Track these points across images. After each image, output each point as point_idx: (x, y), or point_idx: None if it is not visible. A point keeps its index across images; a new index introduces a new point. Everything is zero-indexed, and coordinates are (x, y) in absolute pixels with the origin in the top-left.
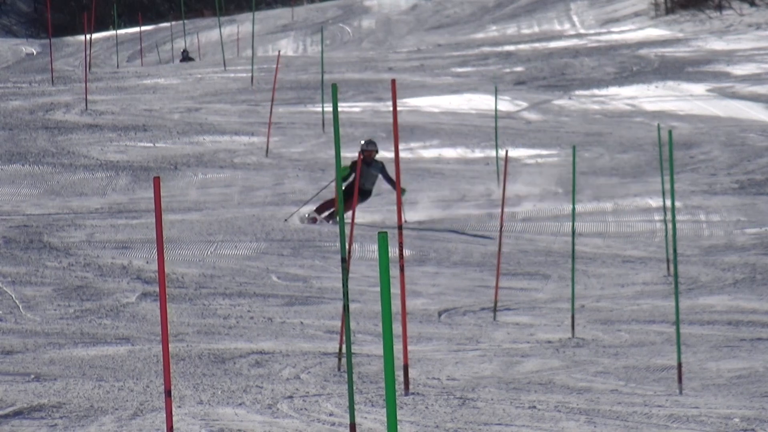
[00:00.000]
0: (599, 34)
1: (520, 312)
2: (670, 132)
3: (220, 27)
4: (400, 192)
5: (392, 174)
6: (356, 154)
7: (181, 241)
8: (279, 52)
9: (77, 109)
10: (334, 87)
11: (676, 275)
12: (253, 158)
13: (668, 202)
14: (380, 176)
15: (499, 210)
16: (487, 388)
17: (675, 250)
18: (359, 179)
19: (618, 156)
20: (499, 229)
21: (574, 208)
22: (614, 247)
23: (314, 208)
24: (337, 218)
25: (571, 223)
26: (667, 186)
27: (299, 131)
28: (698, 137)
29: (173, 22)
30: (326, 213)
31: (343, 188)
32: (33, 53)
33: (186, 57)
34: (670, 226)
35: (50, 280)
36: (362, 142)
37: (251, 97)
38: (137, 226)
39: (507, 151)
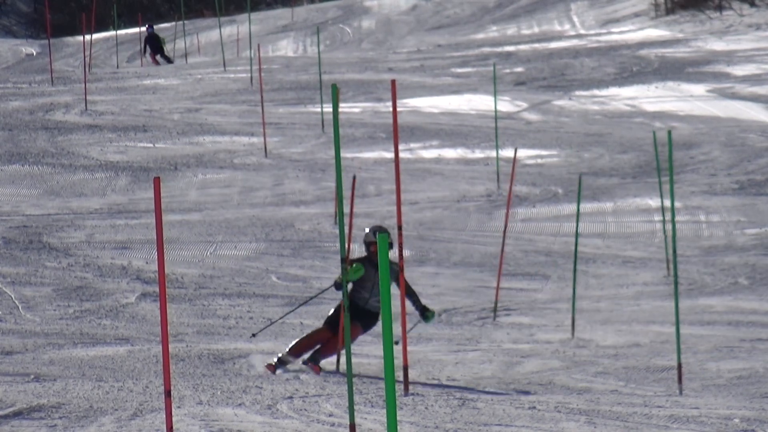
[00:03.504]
0: (599, 34)
1: (520, 312)
2: (669, 132)
3: (220, 27)
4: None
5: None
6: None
7: (181, 242)
8: (258, 47)
9: (77, 110)
10: (334, 87)
11: (675, 276)
12: (253, 159)
13: (668, 203)
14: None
15: (499, 210)
16: (487, 388)
17: (675, 251)
18: (358, 291)
19: (618, 156)
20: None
21: (578, 210)
22: (614, 248)
23: (288, 348)
24: (317, 357)
25: (570, 224)
26: (666, 187)
27: (299, 132)
28: (698, 138)
29: (174, 23)
30: (305, 355)
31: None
32: (33, 54)
33: (153, 42)
34: (669, 226)
35: (50, 281)
36: (366, 230)
37: (251, 98)
38: (137, 226)
39: (516, 150)
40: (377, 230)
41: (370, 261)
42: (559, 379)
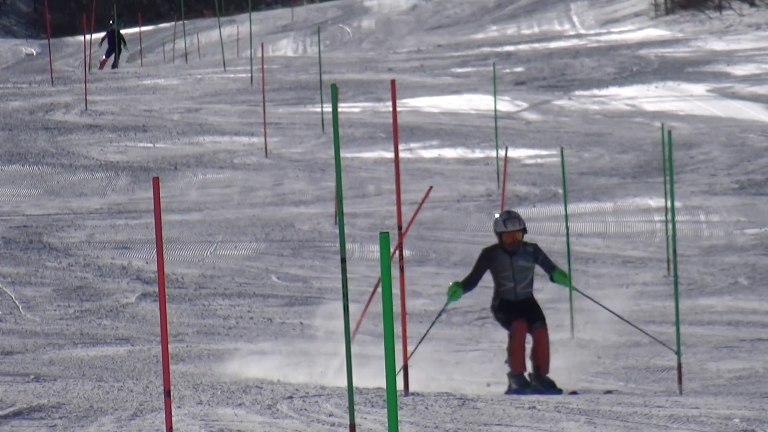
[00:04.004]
0: (599, 34)
1: None
2: (669, 132)
3: (220, 27)
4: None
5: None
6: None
7: (181, 242)
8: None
9: (77, 110)
10: (334, 87)
11: (675, 276)
12: (253, 159)
13: (669, 203)
14: (535, 267)
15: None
16: (487, 388)
17: (674, 251)
18: (502, 284)
19: (618, 156)
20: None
21: (566, 209)
22: (614, 248)
23: (509, 366)
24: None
25: (571, 224)
26: (666, 187)
27: (299, 131)
28: (698, 137)
29: (174, 23)
30: (527, 364)
31: (464, 293)
32: (33, 54)
33: (113, 36)
34: (670, 226)
35: (50, 281)
36: (496, 216)
37: (251, 98)
38: (137, 226)
39: (507, 149)
40: (506, 219)
41: (504, 249)
42: (559, 379)
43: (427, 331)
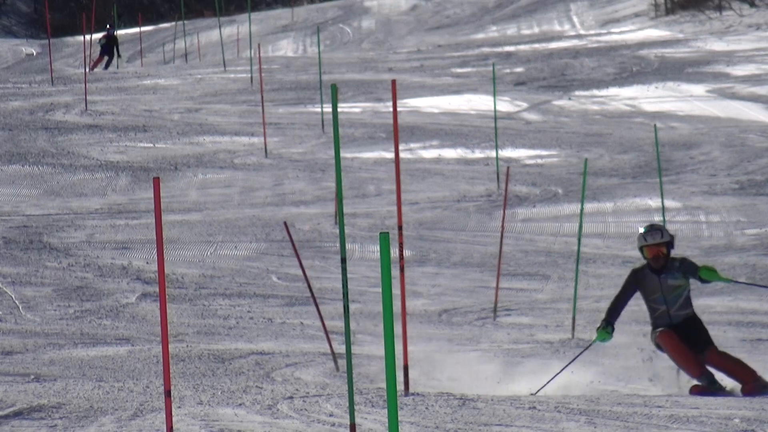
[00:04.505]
0: (599, 34)
1: (520, 312)
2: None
3: (220, 27)
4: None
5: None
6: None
7: (181, 242)
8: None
9: (77, 110)
10: (334, 87)
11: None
12: (253, 159)
13: (669, 203)
14: (689, 282)
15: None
16: (487, 388)
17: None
18: (654, 310)
19: (618, 156)
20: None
21: (582, 210)
22: (614, 248)
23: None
24: None
25: (571, 224)
26: (667, 187)
27: (299, 132)
28: (698, 138)
29: (174, 23)
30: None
31: (613, 330)
32: (33, 54)
33: (109, 43)
34: (674, 227)
35: (50, 281)
36: (641, 230)
37: (251, 98)
38: (137, 226)
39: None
40: (647, 231)
41: (651, 268)
42: (559, 379)
43: (564, 367)
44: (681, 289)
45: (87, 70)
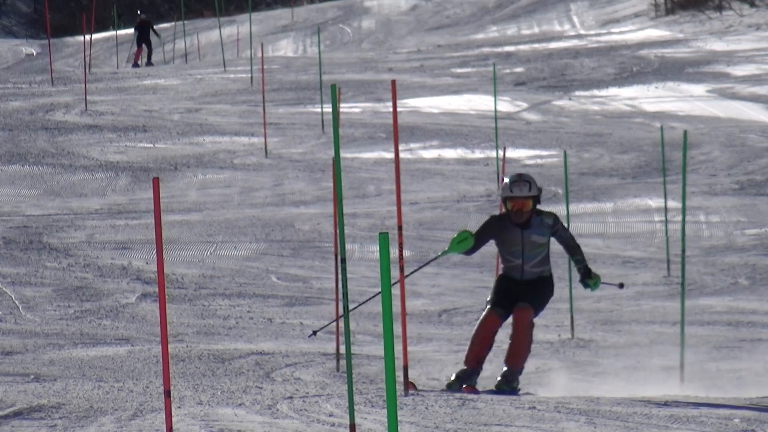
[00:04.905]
0: (599, 34)
1: None
2: (685, 132)
3: (220, 27)
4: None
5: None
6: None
7: (181, 242)
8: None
9: (77, 110)
10: (334, 87)
11: (683, 274)
12: (253, 159)
13: (669, 203)
14: (551, 242)
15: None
16: (487, 388)
17: (684, 250)
18: (508, 261)
19: (618, 157)
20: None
21: (567, 208)
22: (614, 248)
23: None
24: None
25: (571, 224)
26: (669, 187)
27: (299, 132)
28: (698, 138)
29: (174, 23)
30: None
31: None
32: (33, 54)
33: (143, 31)
34: (672, 226)
35: (50, 281)
36: (506, 180)
37: (251, 98)
38: (137, 226)
39: (505, 149)
40: (514, 181)
41: (511, 221)
42: (559, 379)
43: (422, 265)
44: (542, 248)
45: (86, 70)
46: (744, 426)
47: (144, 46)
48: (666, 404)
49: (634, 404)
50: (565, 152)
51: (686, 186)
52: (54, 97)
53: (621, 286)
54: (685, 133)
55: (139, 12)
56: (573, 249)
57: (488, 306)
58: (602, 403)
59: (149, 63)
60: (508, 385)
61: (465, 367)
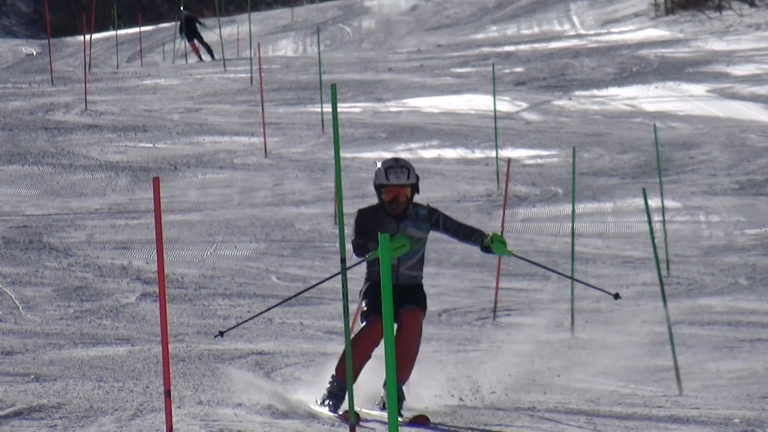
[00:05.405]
0: (599, 34)
1: (520, 313)
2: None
3: (220, 27)
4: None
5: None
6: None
7: (181, 242)
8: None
9: (77, 110)
10: (333, 87)
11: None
12: (253, 159)
13: (669, 203)
14: (431, 233)
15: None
16: (486, 388)
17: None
18: (377, 263)
19: (618, 156)
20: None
21: (573, 209)
22: (614, 248)
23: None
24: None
25: (571, 224)
26: (667, 187)
27: (299, 131)
28: (698, 138)
29: (174, 23)
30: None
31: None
32: (33, 54)
33: (190, 26)
34: (669, 226)
35: (50, 281)
36: (379, 165)
37: (251, 98)
38: (137, 226)
39: (509, 162)
40: (389, 167)
41: (385, 211)
42: (559, 379)
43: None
44: (420, 244)
45: (86, 70)
46: (744, 426)
47: (197, 42)
48: (666, 404)
49: (634, 404)
50: (573, 149)
51: (685, 186)
52: (54, 97)
53: (617, 296)
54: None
55: (182, 8)
56: (466, 230)
57: (367, 317)
58: (602, 403)
59: (213, 58)
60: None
61: (337, 382)
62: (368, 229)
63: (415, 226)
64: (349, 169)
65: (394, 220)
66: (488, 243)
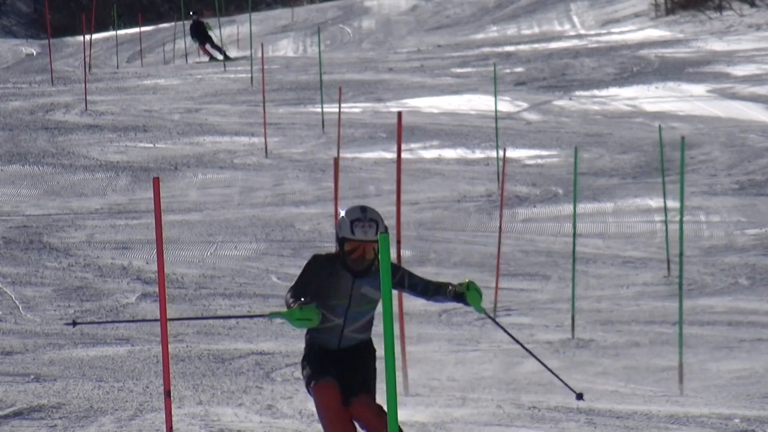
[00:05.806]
0: (599, 34)
1: (520, 313)
2: (683, 139)
3: (220, 27)
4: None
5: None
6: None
7: (181, 242)
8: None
9: (77, 110)
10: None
11: (681, 275)
12: (253, 159)
13: (669, 203)
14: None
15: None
16: (487, 388)
17: (681, 249)
18: (324, 311)
19: (618, 157)
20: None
21: (575, 209)
22: (614, 248)
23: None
24: None
25: (571, 224)
26: (669, 187)
27: (299, 132)
28: (698, 138)
29: (174, 23)
30: None
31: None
32: (33, 54)
33: (199, 31)
34: (671, 226)
35: (50, 281)
36: (344, 214)
37: (251, 98)
38: (137, 226)
39: (505, 150)
40: (357, 219)
41: (344, 265)
42: (558, 381)
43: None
44: (371, 306)
45: (86, 70)
46: (744, 426)
47: (208, 46)
48: (666, 404)
49: (634, 404)
50: (576, 149)
51: (685, 186)
52: (54, 97)
53: (580, 397)
54: (683, 140)
55: (192, 12)
56: (434, 286)
57: (313, 382)
58: (602, 403)
59: (227, 58)
60: None
61: None
62: (318, 279)
63: (374, 286)
64: (349, 169)
65: (351, 277)
66: (462, 291)
